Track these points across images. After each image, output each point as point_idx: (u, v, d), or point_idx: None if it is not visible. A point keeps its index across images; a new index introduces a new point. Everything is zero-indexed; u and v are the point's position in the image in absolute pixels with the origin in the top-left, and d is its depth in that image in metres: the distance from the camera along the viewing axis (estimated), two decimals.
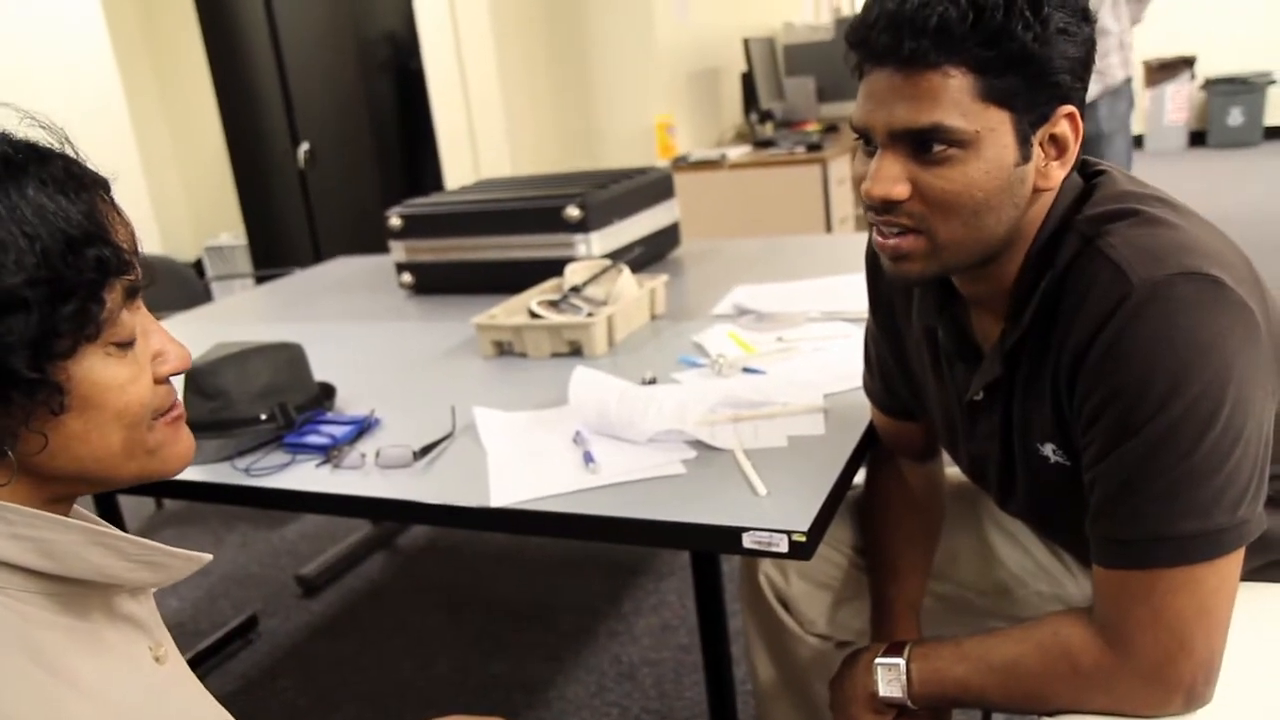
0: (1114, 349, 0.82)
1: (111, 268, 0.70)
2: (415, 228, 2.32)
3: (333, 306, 2.43)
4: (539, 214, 2.15)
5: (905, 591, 1.20)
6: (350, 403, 1.63)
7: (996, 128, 0.84)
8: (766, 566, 1.30)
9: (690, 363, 1.59)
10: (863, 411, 1.31)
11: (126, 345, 0.72)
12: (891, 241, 0.91)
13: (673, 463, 1.22)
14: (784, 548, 1.02)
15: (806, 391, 1.38)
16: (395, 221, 2.32)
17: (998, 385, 0.99)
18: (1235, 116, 7.66)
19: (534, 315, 1.81)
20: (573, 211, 2.10)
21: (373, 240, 2.63)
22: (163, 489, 1.59)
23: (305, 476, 1.37)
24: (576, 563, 2.65)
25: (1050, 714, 0.93)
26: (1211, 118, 7.76)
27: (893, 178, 0.87)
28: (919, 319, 1.07)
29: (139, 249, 0.75)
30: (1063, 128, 0.87)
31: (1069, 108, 0.86)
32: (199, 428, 1.51)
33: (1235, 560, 0.84)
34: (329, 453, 1.41)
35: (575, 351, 1.72)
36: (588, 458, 1.25)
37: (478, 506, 1.20)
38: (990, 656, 0.96)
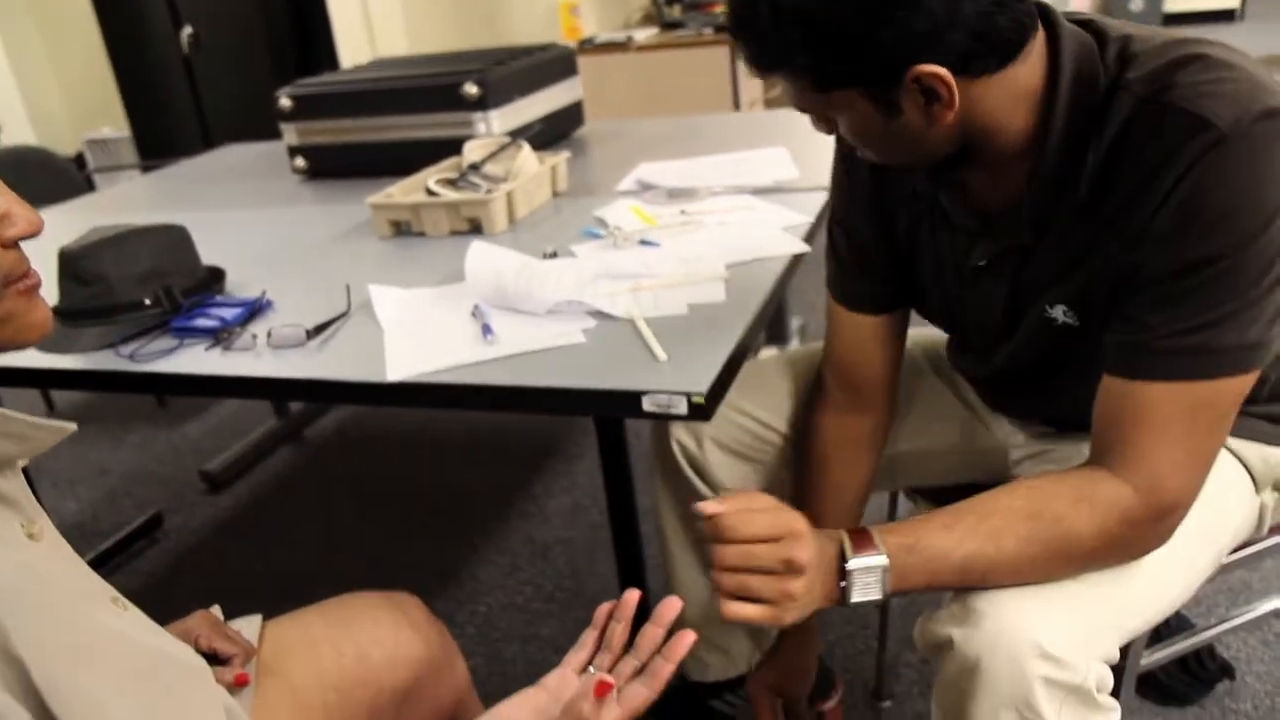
0: (1201, 187, 0.81)
1: None
2: (307, 109, 2.21)
3: (222, 194, 2.33)
4: (436, 92, 2.07)
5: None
6: (240, 287, 1.57)
7: (846, 104, 0.87)
8: (680, 434, 1.31)
9: (592, 235, 1.57)
10: (765, 279, 1.31)
11: None
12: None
13: (573, 333, 1.20)
14: (683, 409, 1.02)
15: (708, 262, 1.37)
16: (285, 103, 2.21)
17: (1009, 251, 0.98)
18: (1137, 3, 7.74)
19: (432, 194, 1.75)
20: (471, 89, 2.02)
21: (266, 127, 2.51)
22: (42, 380, 1.52)
23: (194, 360, 1.32)
24: (487, 448, 2.64)
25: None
26: (1113, 4, 7.82)
27: (814, 121, 0.96)
28: (921, 187, 1.05)
29: None
30: (925, 84, 0.83)
31: (917, 69, 0.82)
32: (78, 315, 1.44)
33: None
34: (218, 335, 1.36)
35: (475, 229, 1.68)
36: (486, 330, 1.23)
37: (373, 382, 1.17)
38: (1001, 539, 0.88)
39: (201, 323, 1.40)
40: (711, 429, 1.29)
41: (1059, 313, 0.96)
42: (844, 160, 1.13)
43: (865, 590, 0.90)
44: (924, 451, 1.32)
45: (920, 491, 1.39)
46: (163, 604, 1.00)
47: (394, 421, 2.88)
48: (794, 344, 2.76)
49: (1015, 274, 0.98)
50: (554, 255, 1.49)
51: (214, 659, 1.02)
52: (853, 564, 0.89)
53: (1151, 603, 0.96)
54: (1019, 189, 0.93)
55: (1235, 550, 1.14)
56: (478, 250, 1.41)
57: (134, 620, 0.87)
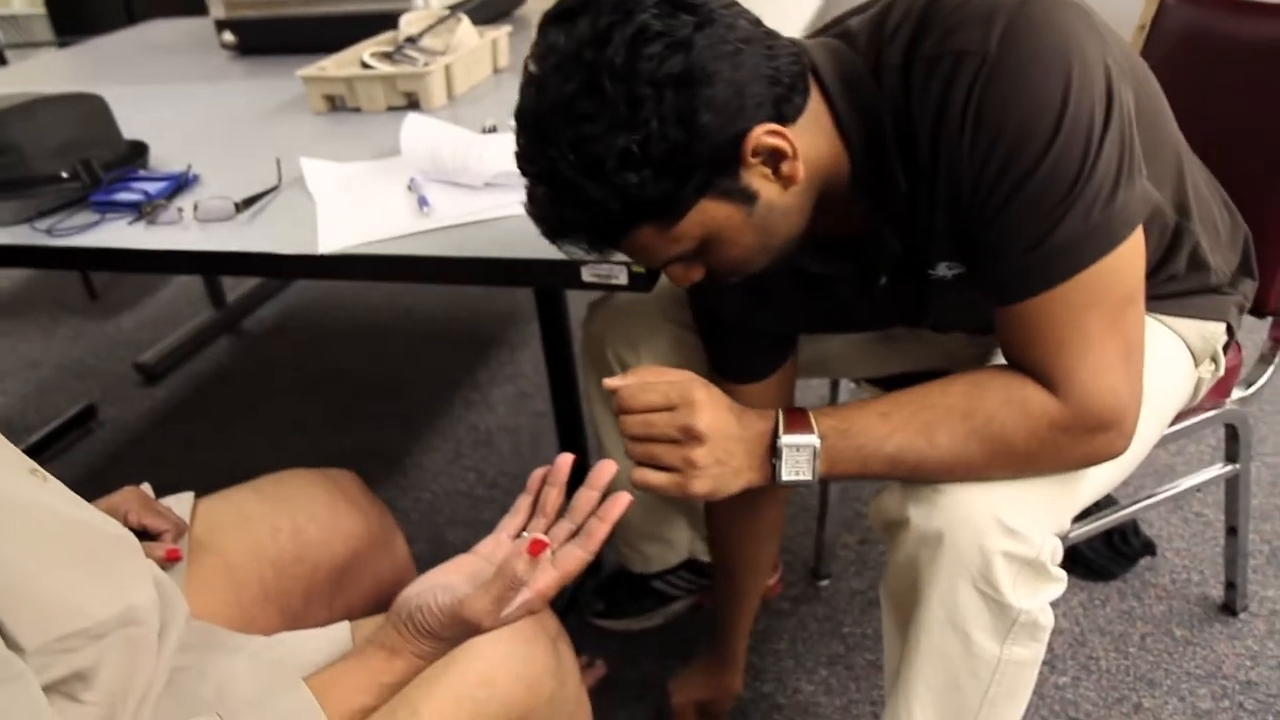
0: (985, 115, 0.80)
1: None
2: None
3: (144, 69, 2.22)
4: None
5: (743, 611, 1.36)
6: (165, 162, 1.50)
7: (703, 221, 0.81)
8: (616, 345, 1.29)
9: None
10: None
11: None
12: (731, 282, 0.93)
13: (511, 204, 1.17)
14: (623, 279, 1.00)
15: None
16: None
17: (880, 254, 0.95)
18: None
19: (367, 67, 1.68)
20: None
21: (193, 1, 2.39)
22: None
23: (116, 234, 1.27)
24: (429, 338, 2.61)
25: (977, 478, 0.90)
26: None
27: (683, 274, 0.89)
28: (806, 266, 1.00)
29: None
30: (764, 149, 0.79)
31: (752, 138, 0.78)
32: None
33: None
34: (142, 209, 1.30)
35: (412, 104, 1.62)
36: (422, 202, 1.19)
37: (304, 254, 1.13)
38: (935, 435, 0.87)
39: (124, 197, 1.34)
40: (645, 339, 1.27)
41: (943, 270, 0.93)
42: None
43: (795, 469, 0.89)
44: (862, 349, 1.30)
45: (866, 379, 1.40)
46: (100, 495, 1.00)
47: (335, 312, 2.82)
48: None
49: (897, 265, 0.95)
50: (494, 130, 1.44)
51: (144, 536, 1.00)
52: (784, 440, 0.89)
53: (1101, 473, 0.96)
54: (860, 214, 0.92)
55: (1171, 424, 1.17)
56: (413, 123, 1.36)
57: (54, 491, 0.85)
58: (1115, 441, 0.87)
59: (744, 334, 1.14)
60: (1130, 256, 0.83)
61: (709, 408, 0.88)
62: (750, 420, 0.91)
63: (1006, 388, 0.86)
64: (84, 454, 2.30)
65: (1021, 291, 0.84)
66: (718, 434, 0.88)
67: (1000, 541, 0.87)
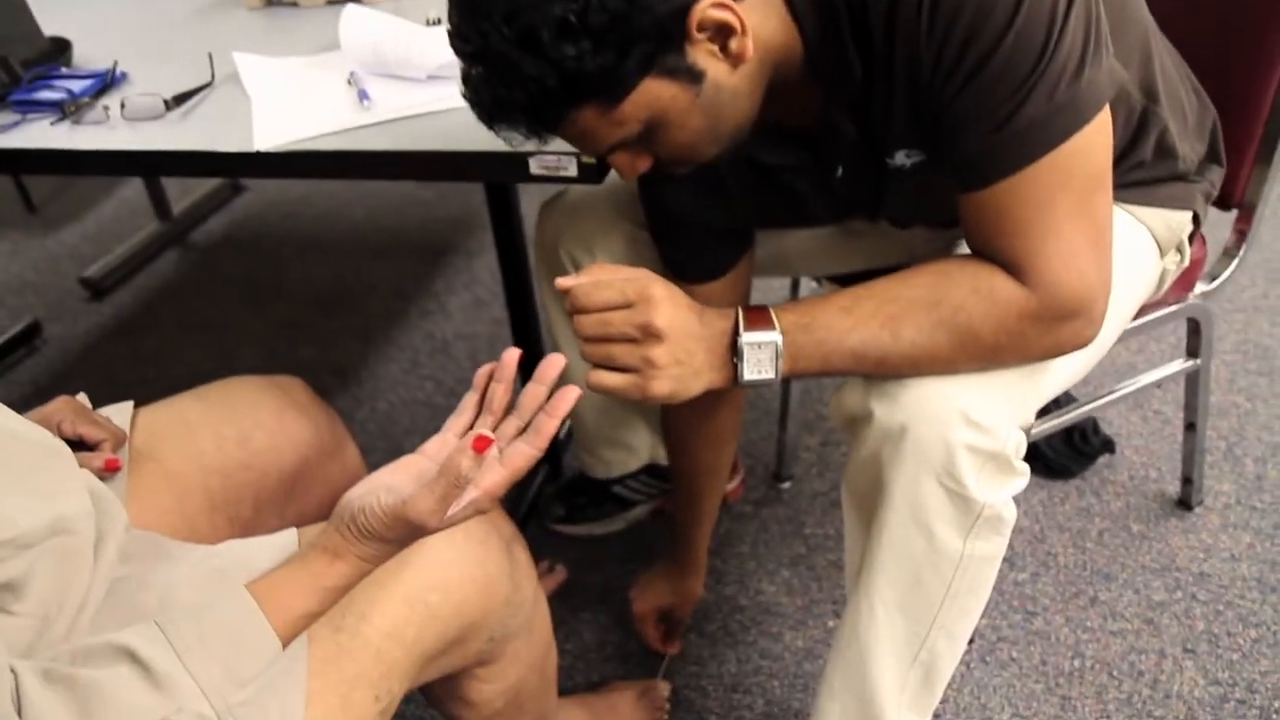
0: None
1: None
2: None
3: None
4: None
5: (702, 516, 1.34)
6: (90, 60, 1.41)
7: (648, 102, 0.78)
8: (569, 245, 1.25)
9: None
10: None
11: None
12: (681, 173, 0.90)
13: (455, 96, 1.10)
14: (573, 171, 0.96)
15: None
16: None
17: (837, 143, 0.92)
18: None
19: None
20: None
21: None
22: None
23: (39, 135, 1.21)
24: (384, 248, 2.55)
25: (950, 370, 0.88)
26: None
27: (629, 164, 0.86)
28: (760, 156, 0.97)
29: None
30: (709, 28, 0.76)
31: (698, 10, 0.74)
32: None
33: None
34: (65, 108, 1.24)
35: None
36: (362, 96, 1.14)
37: (239, 151, 1.08)
38: (899, 328, 0.84)
39: (46, 95, 1.28)
40: (600, 238, 1.23)
41: (901, 158, 0.90)
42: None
43: (758, 368, 0.87)
44: (823, 245, 1.27)
45: (828, 276, 1.37)
46: None
47: (285, 222, 2.74)
48: None
49: (854, 154, 0.93)
50: (438, 23, 1.37)
51: (83, 447, 0.96)
52: (745, 339, 0.86)
53: (1065, 366, 0.94)
54: (815, 102, 0.88)
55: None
56: (353, 14, 1.29)
57: None
58: (1084, 330, 0.85)
59: (697, 230, 1.10)
60: (1098, 137, 0.81)
61: (668, 304, 0.84)
62: (711, 318, 0.88)
63: (974, 277, 0.84)
64: (29, 372, 2.23)
65: (986, 176, 0.81)
66: (677, 331, 0.84)
67: (964, 434, 0.85)
